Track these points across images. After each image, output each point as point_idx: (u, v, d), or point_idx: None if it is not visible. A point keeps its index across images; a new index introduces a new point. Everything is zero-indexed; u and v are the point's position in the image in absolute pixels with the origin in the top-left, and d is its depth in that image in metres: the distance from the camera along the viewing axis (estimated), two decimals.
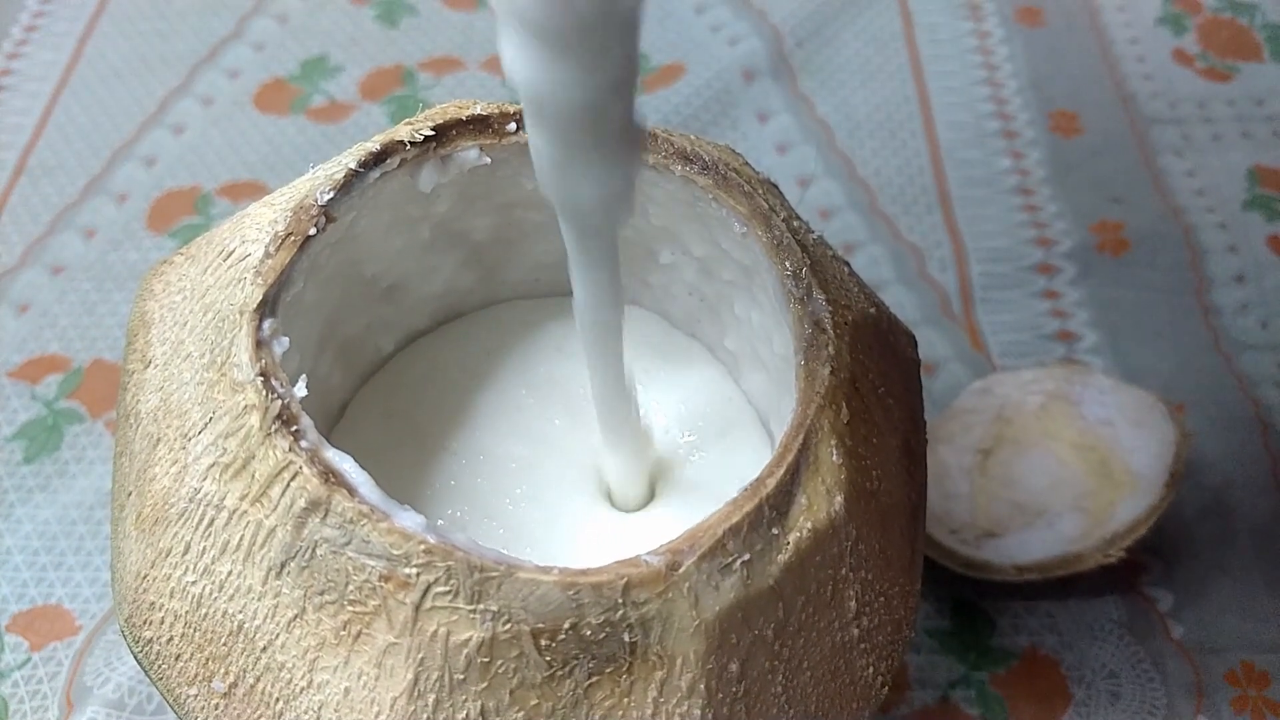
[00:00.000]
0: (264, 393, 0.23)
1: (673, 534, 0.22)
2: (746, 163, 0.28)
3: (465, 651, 0.21)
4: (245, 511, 0.22)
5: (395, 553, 0.21)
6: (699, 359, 0.33)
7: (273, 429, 0.22)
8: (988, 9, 0.57)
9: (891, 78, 0.54)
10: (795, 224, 0.27)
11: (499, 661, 0.21)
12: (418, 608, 0.21)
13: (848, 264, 0.28)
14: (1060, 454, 0.39)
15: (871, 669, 0.25)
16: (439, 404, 0.31)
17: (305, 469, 0.22)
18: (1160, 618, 0.37)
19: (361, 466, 0.22)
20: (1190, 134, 0.51)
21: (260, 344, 0.23)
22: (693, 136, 0.27)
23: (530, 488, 0.29)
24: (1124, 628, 0.37)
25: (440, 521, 0.22)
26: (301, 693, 0.22)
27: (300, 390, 0.23)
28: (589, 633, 0.21)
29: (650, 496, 0.29)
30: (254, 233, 0.25)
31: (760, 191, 0.26)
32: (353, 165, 0.26)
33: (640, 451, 0.28)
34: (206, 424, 0.23)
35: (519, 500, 0.29)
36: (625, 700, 0.22)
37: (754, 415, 0.31)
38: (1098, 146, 0.51)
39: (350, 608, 0.22)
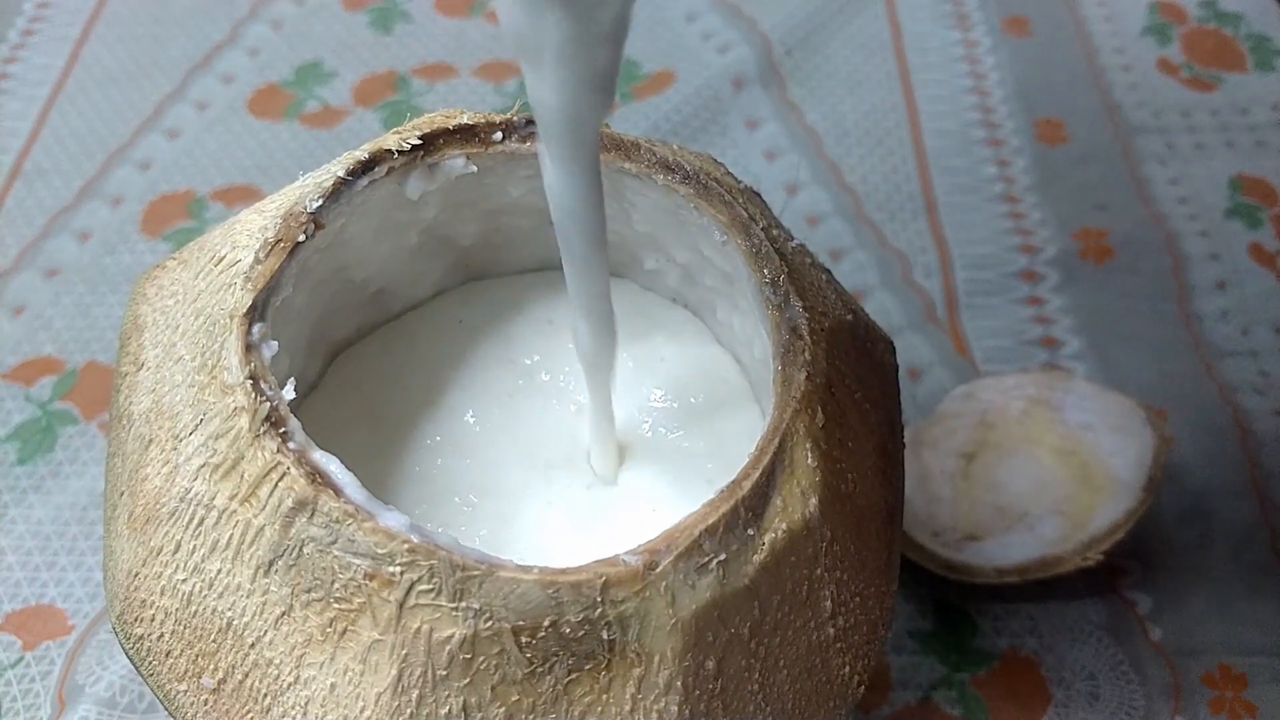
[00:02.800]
0: (253, 395, 0.23)
1: (639, 509, 0.22)
2: (728, 172, 0.29)
3: (448, 648, 0.21)
4: (234, 511, 0.23)
5: (380, 551, 0.21)
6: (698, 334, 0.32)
7: (261, 430, 0.23)
8: (975, 18, 0.57)
9: (879, 86, 0.54)
10: (775, 232, 0.27)
11: (481, 658, 0.22)
12: (401, 605, 0.22)
13: (828, 271, 0.29)
14: (1041, 458, 0.40)
15: (848, 668, 0.25)
16: (409, 381, 0.31)
17: (293, 469, 0.22)
18: (1139, 620, 0.38)
19: (320, 440, 0.22)
20: (1174, 143, 0.52)
21: (250, 348, 0.24)
22: (675, 146, 0.28)
23: (502, 458, 0.29)
24: (1103, 630, 0.38)
25: (414, 516, 0.22)
26: (289, 688, 0.23)
27: (289, 393, 0.24)
28: (568, 630, 0.22)
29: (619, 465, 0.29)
30: (244, 239, 0.26)
31: (740, 200, 0.27)
32: (341, 173, 0.26)
33: (610, 419, 0.28)
34: (197, 425, 0.24)
35: (489, 474, 0.29)
36: (604, 696, 0.22)
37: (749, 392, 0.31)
38: (1082, 154, 0.51)
39: (336, 605, 0.22)
